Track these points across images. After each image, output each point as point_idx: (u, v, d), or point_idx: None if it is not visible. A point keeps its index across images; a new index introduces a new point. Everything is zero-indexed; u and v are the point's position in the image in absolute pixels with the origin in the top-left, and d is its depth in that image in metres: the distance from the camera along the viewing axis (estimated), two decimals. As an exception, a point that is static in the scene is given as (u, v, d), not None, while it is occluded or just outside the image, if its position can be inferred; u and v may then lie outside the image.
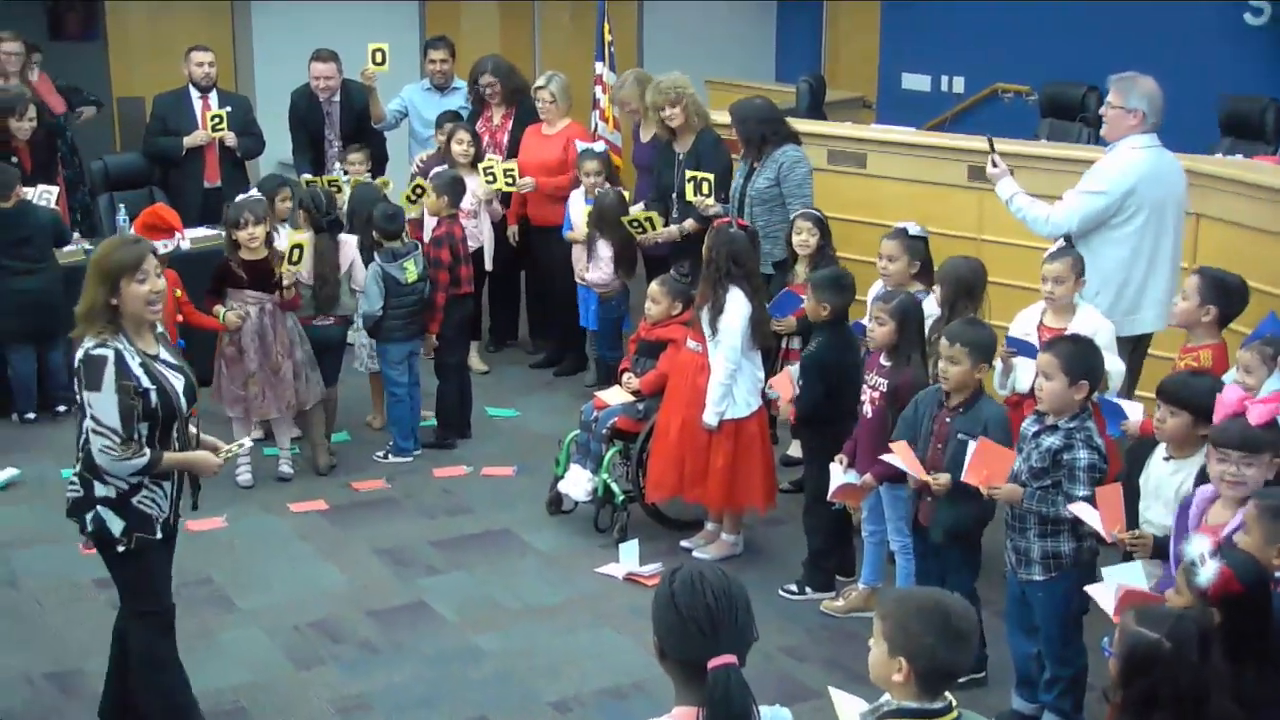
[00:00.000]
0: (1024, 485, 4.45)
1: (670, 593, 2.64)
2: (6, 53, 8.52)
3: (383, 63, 8.57)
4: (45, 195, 7.77)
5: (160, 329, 4.40)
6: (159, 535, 4.31)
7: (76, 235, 8.05)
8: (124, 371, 4.13)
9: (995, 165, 6.07)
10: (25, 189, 7.58)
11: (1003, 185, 6.04)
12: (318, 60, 8.68)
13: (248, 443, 4.91)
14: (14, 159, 7.92)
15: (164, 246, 6.72)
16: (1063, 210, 5.81)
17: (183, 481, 4.40)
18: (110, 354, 4.12)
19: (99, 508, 4.22)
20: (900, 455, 4.77)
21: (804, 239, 6.42)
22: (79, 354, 4.16)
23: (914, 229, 5.83)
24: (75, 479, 4.28)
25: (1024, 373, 5.19)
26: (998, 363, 5.28)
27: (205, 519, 5.98)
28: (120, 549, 4.26)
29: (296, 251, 6.59)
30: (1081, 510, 4.29)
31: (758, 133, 7.03)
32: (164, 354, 4.32)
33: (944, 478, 4.67)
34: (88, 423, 4.14)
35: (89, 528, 4.26)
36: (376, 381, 7.44)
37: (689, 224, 7.45)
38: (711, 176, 7.22)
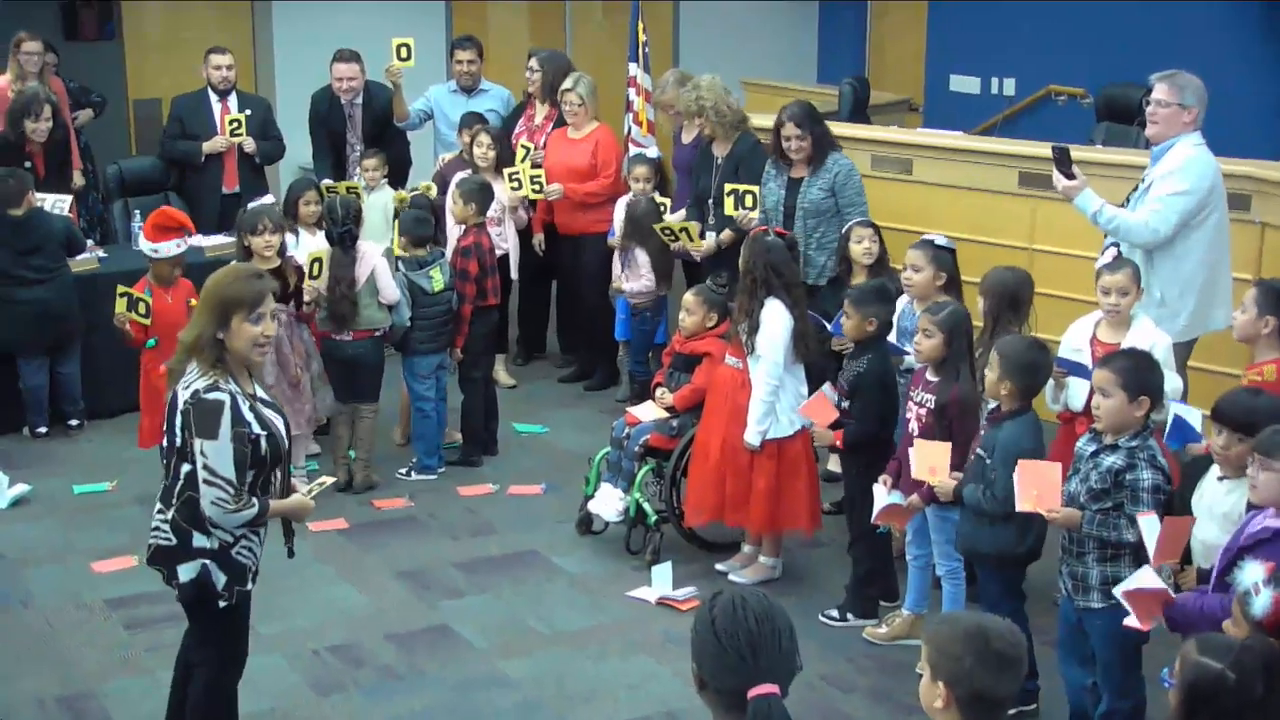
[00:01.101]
0: (1082, 508, 4.43)
1: (710, 618, 2.64)
2: (26, 53, 8.61)
3: (408, 58, 8.55)
4: (59, 204, 7.83)
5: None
6: (250, 585, 4.27)
7: (90, 243, 8.10)
8: (238, 417, 4.02)
9: (1072, 177, 5.89)
10: (41, 195, 7.64)
11: (1085, 198, 5.86)
12: (340, 61, 8.73)
13: (328, 480, 4.86)
14: (28, 164, 8.00)
15: (176, 247, 6.77)
16: (1158, 214, 5.73)
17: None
18: (226, 399, 4.01)
19: (205, 561, 4.12)
20: (918, 455, 4.95)
21: (866, 247, 6.37)
22: (185, 393, 4.04)
23: (940, 240, 5.80)
24: (165, 526, 4.15)
25: (1077, 390, 5.17)
26: (1049, 380, 5.28)
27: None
28: (222, 604, 4.18)
29: (316, 265, 6.63)
30: (1147, 525, 4.23)
31: (824, 135, 6.95)
32: (259, 392, 4.23)
33: (947, 485, 4.85)
34: (199, 472, 4.01)
35: (182, 578, 4.14)
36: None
37: (725, 235, 7.45)
38: (756, 189, 7.18)
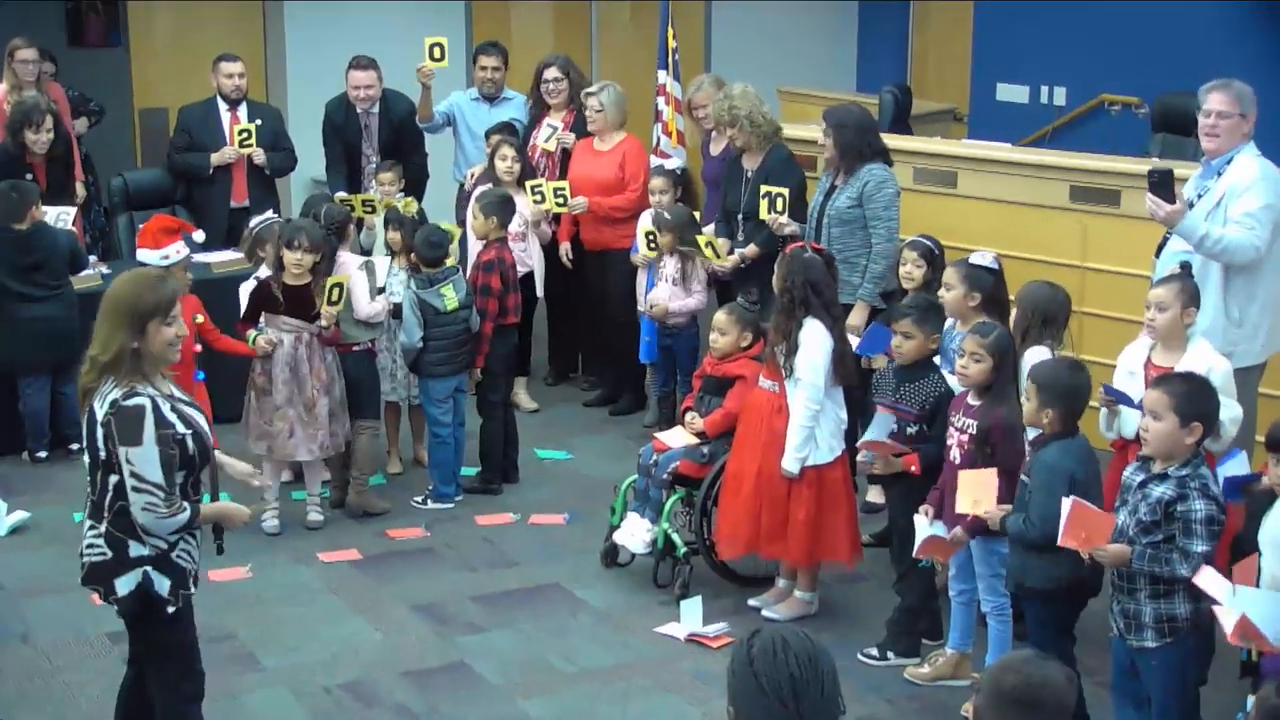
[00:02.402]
0: (1131, 542, 4.41)
1: (749, 659, 2.64)
2: (21, 61, 8.69)
3: (441, 58, 8.55)
4: (63, 217, 7.90)
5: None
6: (193, 589, 4.37)
7: (93, 259, 8.17)
8: (161, 420, 4.15)
9: (1172, 201, 5.70)
10: (45, 208, 7.70)
11: (1192, 223, 5.67)
12: (356, 68, 8.77)
13: (267, 506, 4.90)
14: (29, 175, 8.08)
15: (185, 247, 6.83)
16: (1255, 232, 5.70)
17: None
18: (146, 402, 4.13)
19: (147, 569, 4.22)
20: (963, 486, 4.91)
21: (908, 270, 6.31)
22: (102, 405, 4.14)
23: (978, 258, 5.75)
24: (99, 541, 4.24)
25: (1130, 417, 5.16)
26: (1101, 408, 5.27)
27: (228, 569, 6.08)
28: (170, 609, 4.27)
29: (336, 290, 6.67)
30: (1207, 582, 4.19)
31: (854, 144, 6.96)
32: (176, 392, 4.36)
33: (996, 513, 4.81)
34: (127, 480, 4.12)
35: (120, 591, 4.23)
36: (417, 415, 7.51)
37: (750, 250, 7.48)
38: (786, 191, 7.23)
